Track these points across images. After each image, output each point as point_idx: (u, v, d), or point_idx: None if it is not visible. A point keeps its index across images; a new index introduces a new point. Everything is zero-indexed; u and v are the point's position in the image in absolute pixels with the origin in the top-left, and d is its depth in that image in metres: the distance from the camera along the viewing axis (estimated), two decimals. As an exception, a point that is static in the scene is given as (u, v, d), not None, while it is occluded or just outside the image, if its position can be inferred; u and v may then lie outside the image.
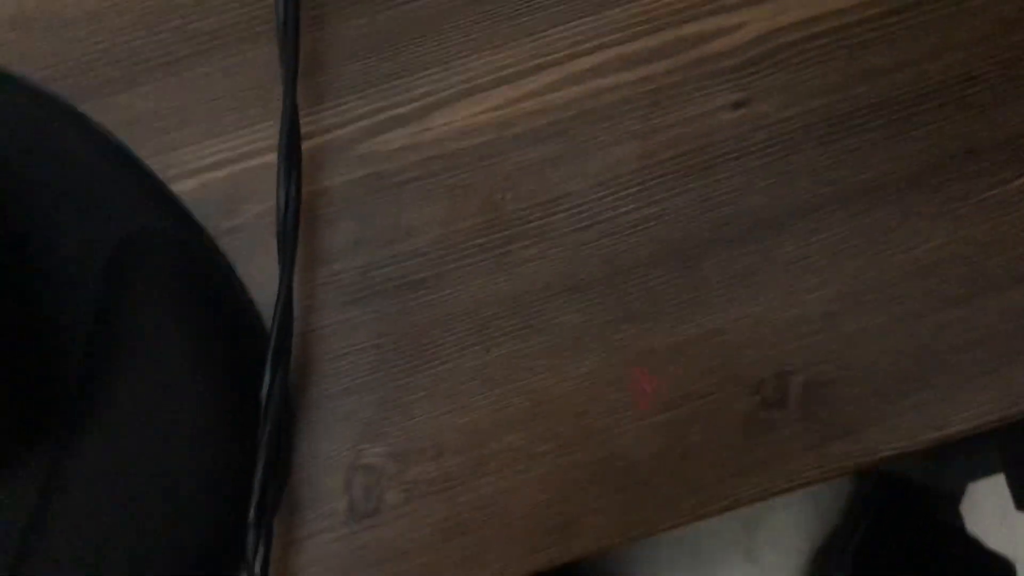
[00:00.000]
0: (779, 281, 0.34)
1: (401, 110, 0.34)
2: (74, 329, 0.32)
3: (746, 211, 0.34)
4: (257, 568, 0.30)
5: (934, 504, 0.92)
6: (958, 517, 0.93)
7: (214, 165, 0.34)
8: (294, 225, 0.32)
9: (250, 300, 0.33)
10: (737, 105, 0.34)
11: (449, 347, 0.33)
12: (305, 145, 0.34)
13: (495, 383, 0.33)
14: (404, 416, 0.33)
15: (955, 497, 0.94)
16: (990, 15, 0.35)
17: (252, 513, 0.30)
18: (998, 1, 0.35)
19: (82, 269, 0.33)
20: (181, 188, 0.33)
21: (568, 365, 0.33)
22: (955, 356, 0.34)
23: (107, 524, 0.30)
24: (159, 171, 0.33)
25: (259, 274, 0.33)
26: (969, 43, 0.35)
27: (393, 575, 0.32)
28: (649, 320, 0.34)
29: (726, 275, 0.34)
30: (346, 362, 0.33)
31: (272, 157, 0.33)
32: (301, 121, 0.33)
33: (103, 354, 0.31)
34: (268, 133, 0.33)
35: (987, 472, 0.92)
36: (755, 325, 0.34)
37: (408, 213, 0.34)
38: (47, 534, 0.30)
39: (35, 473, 0.31)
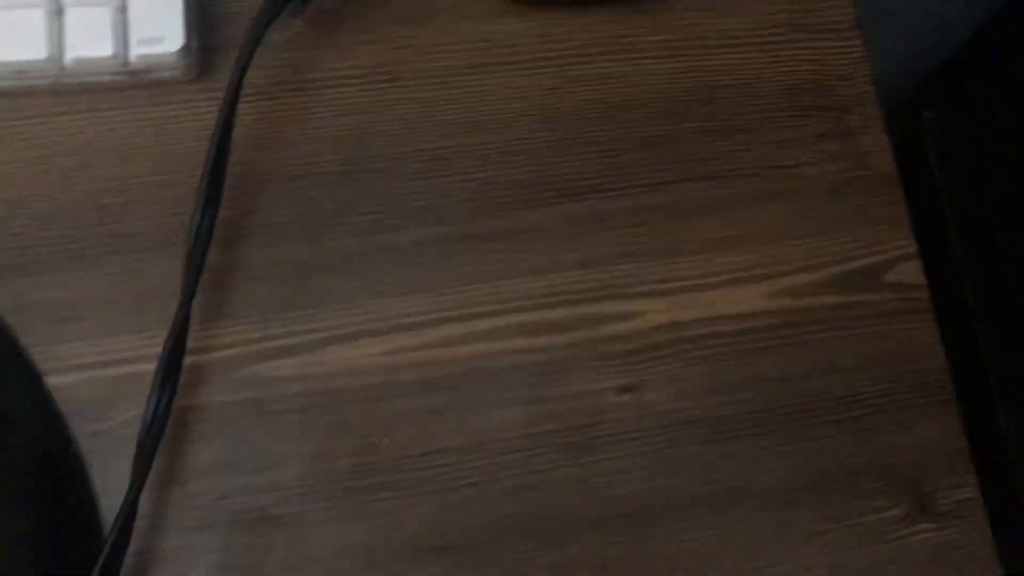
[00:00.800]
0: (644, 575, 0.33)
1: (295, 340, 0.34)
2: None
3: (621, 497, 0.34)
4: None
5: None
6: None
7: (96, 364, 0.33)
8: (155, 439, 0.31)
9: (96, 507, 0.32)
10: (625, 390, 0.35)
11: (294, 592, 0.32)
12: (193, 359, 0.34)
13: (334, 639, 0.31)
14: (230, 660, 0.31)
15: None
16: (878, 344, 0.36)
17: None
18: (891, 332, 0.37)
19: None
20: (59, 381, 0.33)
21: (414, 631, 0.32)
22: None
23: None
24: (41, 361, 0.33)
25: (114, 480, 0.32)
26: (858, 366, 0.36)
27: None
28: (506, 595, 0.32)
29: (592, 560, 0.33)
30: (181, 591, 0.31)
31: (154, 366, 0.33)
32: (194, 335, 0.33)
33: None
34: (156, 341, 0.33)
35: None
36: (614, 618, 0.33)
37: (281, 443, 0.33)
38: None
39: None
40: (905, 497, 0.35)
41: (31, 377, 0.33)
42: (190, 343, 0.33)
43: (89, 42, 0.34)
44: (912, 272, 0.37)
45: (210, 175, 0.34)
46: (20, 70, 0.34)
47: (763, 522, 0.34)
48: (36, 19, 0.34)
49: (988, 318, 0.60)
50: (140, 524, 0.31)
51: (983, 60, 0.72)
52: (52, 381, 0.33)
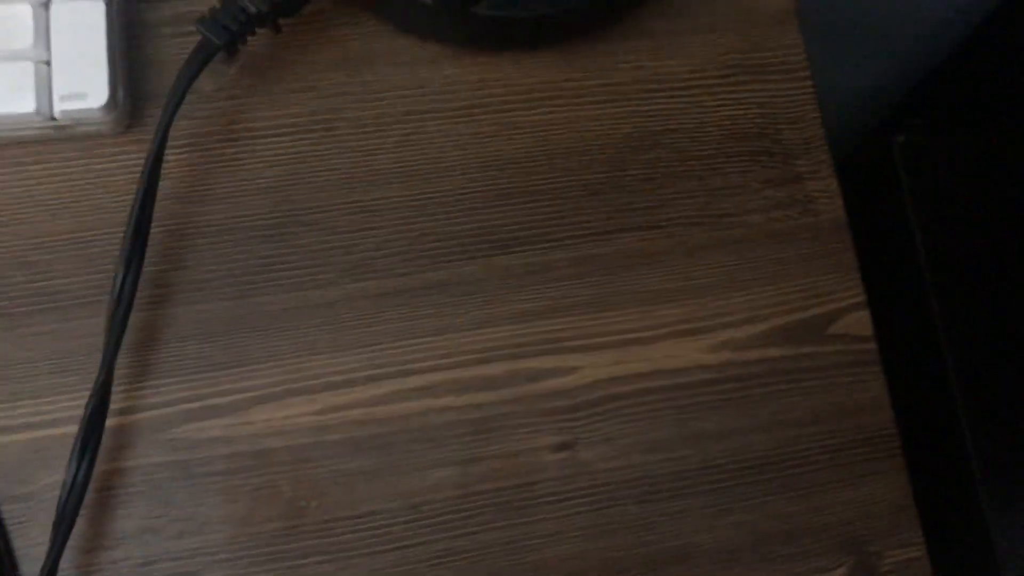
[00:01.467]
0: (577, 641, 0.32)
1: (223, 399, 0.34)
2: None
3: (554, 559, 0.33)
4: None
5: None
6: None
7: (19, 427, 0.33)
8: (76, 503, 0.31)
9: (16, 573, 0.31)
10: (561, 447, 0.34)
11: (218, 659, 0.31)
12: (117, 420, 0.33)
13: None
14: None
15: None
16: (823, 398, 0.35)
17: None
18: (837, 386, 0.36)
19: None
20: (-20, 444, 0.32)
21: None
22: None
23: None
24: (-37, 423, 0.33)
25: (35, 548, 0.32)
26: (802, 422, 0.35)
27: None
28: (436, 662, 0.32)
29: (524, 625, 0.32)
30: (104, 659, 0.31)
31: (76, 428, 0.32)
32: (119, 395, 0.33)
33: None
34: (80, 402, 0.33)
35: None
36: None
37: (207, 507, 0.33)
38: None
39: None
40: (848, 558, 0.34)
41: (-48, 441, 0.32)
42: (114, 404, 0.33)
43: (11, 98, 0.33)
44: (860, 323, 0.36)
45: (133, 231, 0.33)
46: (-59, 126, 0.33)
47: (701, 584, 0.33)
48: (-44, 75, 0.33)
49: (959, 347, 0.59)
50: (59, 593, 0.31)
51: (956, 82, 0.71)
52: (-26, 444, 0.32)
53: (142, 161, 0.33)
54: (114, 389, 0.32)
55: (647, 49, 0.38)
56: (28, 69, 0.33)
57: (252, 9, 0.34)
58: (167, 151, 0.34)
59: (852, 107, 0.78)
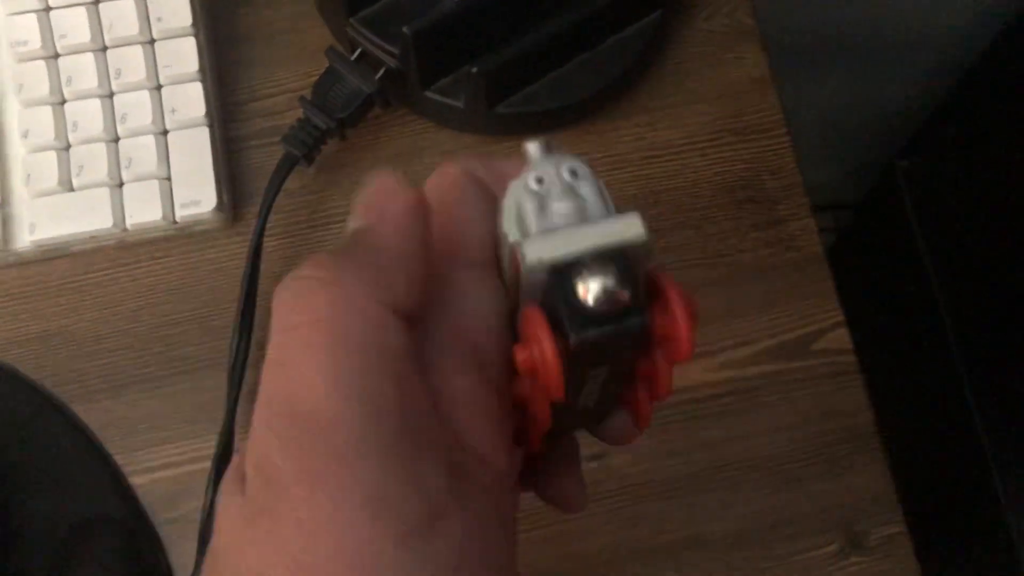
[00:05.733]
0: (615, 614, 0.40)
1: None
2: (26, 592, 0.39)
3: (591, 549, 0.40)
4: None
5: None
6: None
7: (165, 465, 0.42)
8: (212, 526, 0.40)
9: (173, 582, 0.40)
10: (594, 458, 0.41)
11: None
12: (240, 456, 0.42)
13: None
14: None
15: None
16: (812, 404, 0.42)
17: None
18: (822, 393, 0.42)
19: (47, 537, 0.41)
20: (138, 481, 0.42)
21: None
22: None
23: None
24: (123, 465, 0.42)
25: (184, 558, 0.41)
26: (794, 425, 0.42)
27: None
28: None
29: (571, 604, 0.40)
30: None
31: (208, 465, 0.41)
32: (238, 436, 0.42)
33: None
34: (211, 443, 0.42)
35: None
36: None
37: (314, 521, 0.41)
38: None
39: None
40: (839, 535, 0.41)
41: (119, 480, 0.42)
42: (237, 443, 0.41)
43: (143, 209, 0.43)
44: (840, 339, 0.43)
45: (243, 306, 0.42)
46: (92, 235, 0.43)
47: (716, 564, 0.40)
48: (102, 195, 0.43)
49: (973, 362, 0.63)
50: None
51: (957, 112, 0.75)
52: (133, 481, 0.41)
53: (246, 249, 0.42)
54: (236, 431, 0.41)
55: (645, 123, 0.45)
56: (154, 186, 0.43)
57: (323, 126, 0.42)
58: (265, 240, 0.43)
59: (861, 137, 0.83)
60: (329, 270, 0.19)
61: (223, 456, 0.41)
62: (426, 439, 0.19)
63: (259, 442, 0.19)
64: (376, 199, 0.20)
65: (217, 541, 0.19)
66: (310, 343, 0.18)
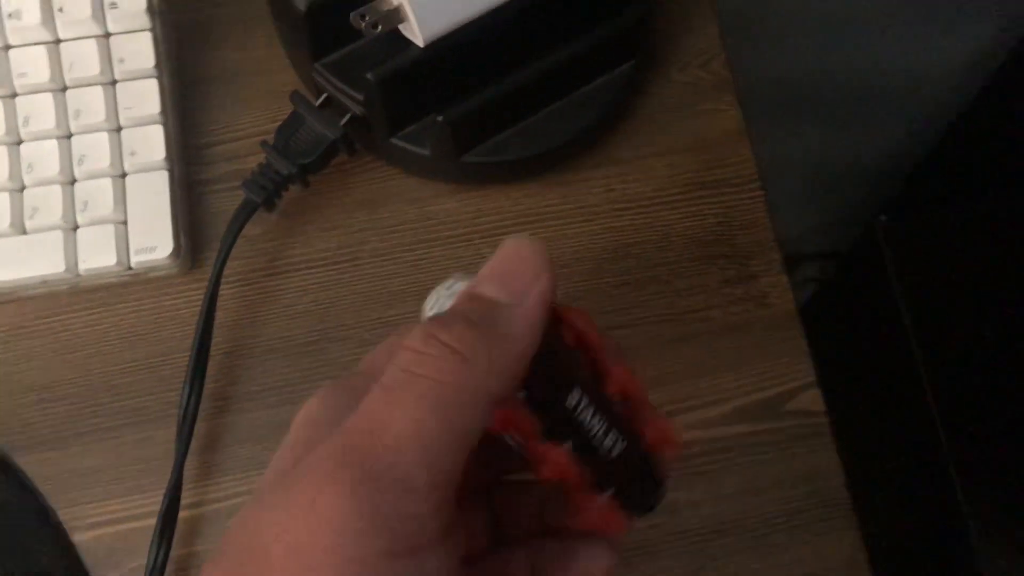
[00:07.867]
0: None
1: (273, 492, 0.40)
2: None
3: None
4: None
5: None
6: None
7: (109, 521, 0.40)
8: (156, 586, 0.38)
9: (112, 645, 0.39)
10: (556, 520, 0.40)
11: None
12: (187, 513, 0.40)
13: None
14: None
15: None
16: (782, 467, 0.41)
17: None
18: (793, 455, 0.41)
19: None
20: (80, 538, 0.40)
21: None
22: None
23: None
24: (67, 520, 0.40)
25: (126, 621, 0.39)
26: (763, 489, 0.41)
27: None
28: None
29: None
30: None
31: (155, 522, 0.39)
32: (187, 492, 0.40)
33: None
34: (158, 499, 0.40)
35: None
36: None
37: (263, 582, 0.39)
38: None
39: None
40: (809, 605, 0.39)
41: (60, 535, 0.40)
42: (185, 500, 0.40)
43: (97, 254, 0.41)
44: (813, 399, 0.42)
45: (196, 355, 0.41)
46: (44, 280, 0.42)
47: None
48: (55, 239, 0.41)
49: (953, 426, 0.63)
50: (146, 657, 0.37)
51: (943, 166, 0.76)
52: (76, 537, 0.40)
53: (202, 297, 0.41)
54: (184, 487, 0.39)
55: (615, 174, 0.44)
56: (109, 230, 0.42)
57: (284, 171, 0.41)
58: (221, 287, 0.41)
59: (843, 188, 0.83)
60: (468, 348, 0.23)
61: (168, 512, 0.39)
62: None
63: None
64: (520, 272, 0.24)
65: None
66: (423, 395, 0.22)
